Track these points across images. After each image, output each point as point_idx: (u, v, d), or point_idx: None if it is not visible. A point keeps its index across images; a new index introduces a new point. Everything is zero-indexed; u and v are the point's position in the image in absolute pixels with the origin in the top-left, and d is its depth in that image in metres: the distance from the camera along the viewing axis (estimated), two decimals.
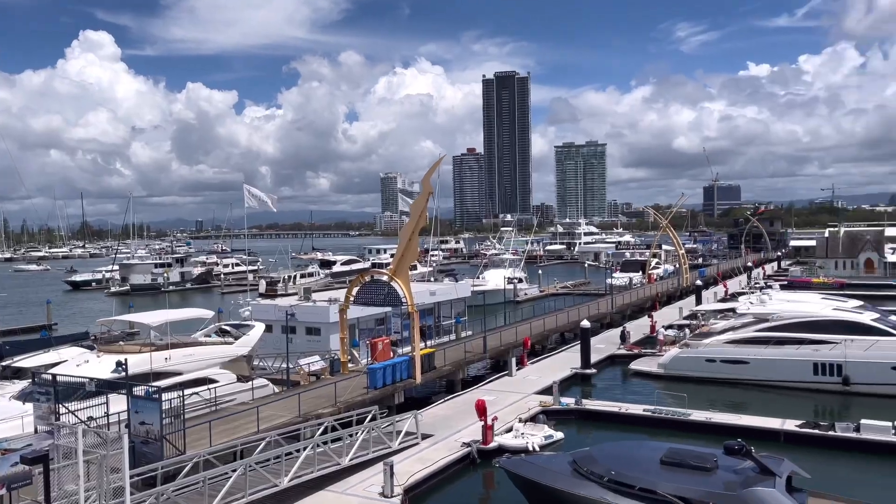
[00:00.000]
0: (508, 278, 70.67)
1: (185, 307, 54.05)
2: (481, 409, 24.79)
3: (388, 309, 36.63)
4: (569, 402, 30.27)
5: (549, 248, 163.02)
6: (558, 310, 52.55)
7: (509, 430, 26.40)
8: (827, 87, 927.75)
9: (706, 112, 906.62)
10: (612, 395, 33.71)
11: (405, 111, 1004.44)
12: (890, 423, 24.75)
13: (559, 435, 26.47)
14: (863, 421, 25.22)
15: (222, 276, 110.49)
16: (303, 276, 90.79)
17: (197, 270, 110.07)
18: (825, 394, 32.88)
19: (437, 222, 74.73)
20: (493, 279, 71.80)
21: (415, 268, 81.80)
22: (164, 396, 20.15)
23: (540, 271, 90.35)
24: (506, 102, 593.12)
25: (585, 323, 38.54)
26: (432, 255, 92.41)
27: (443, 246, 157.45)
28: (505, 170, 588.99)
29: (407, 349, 34.30)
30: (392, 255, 41.70)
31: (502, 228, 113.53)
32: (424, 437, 25.38)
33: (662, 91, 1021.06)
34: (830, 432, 25.37)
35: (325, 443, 21.79)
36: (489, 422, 24.92)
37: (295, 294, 52.90)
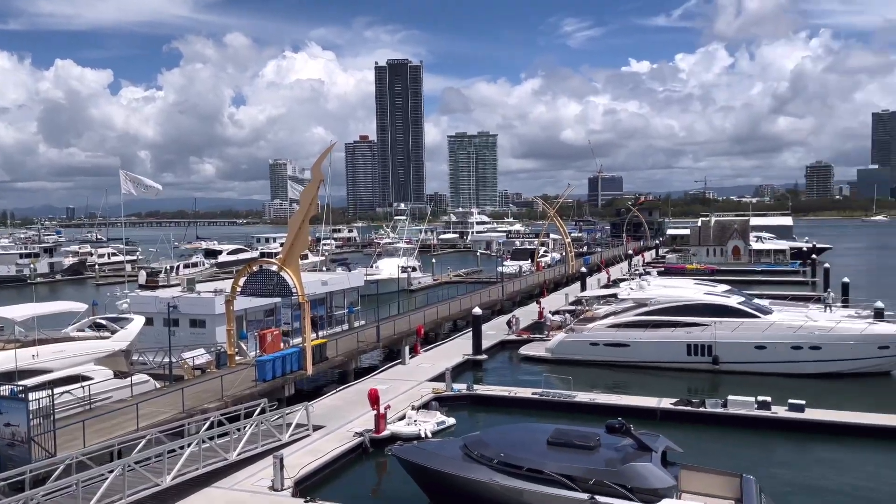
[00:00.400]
0: (402, 267, 70.78)
1: (55, 300, 50.45)
2: (374, 399, 24.79)
3: (278, 299, 35.83)
4: (461, 388, 30.78)
5: (442, 237, 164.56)
6: (451, 298, 53.25)
7: (402, 417, 26.55)
8: (700, 85, 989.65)
9: (591, 105, 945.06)
10: (503, 379, 34.60)
11: (295, 96, 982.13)
12: (753, 398, 26.82)
13: (451, 421, 26.92)
14: (729, 397, 27.22)
15: (97, 266, 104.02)
16: (186, 266, 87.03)
17: (68, 261, 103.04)
18: (697, 373, 35.19)
19: (329, 211, 73.48)
20: (387, 268, 71.72)
21: (306, 257, 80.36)
22: (32, 396, 18.83)
23: (434, 260, 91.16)
24: (399, 90, 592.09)
25: (477, 310, 39.30)
26: (324, 244, 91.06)
27: (335, 235, 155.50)
28: (398, 158, 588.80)
29: (298, 340, 33.69)
30: (282, 245, 40.69)
31: (396, 217, 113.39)
32: (316, 428, 25.08)
33: (551, 84, 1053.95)
34: (701, 409, 27.20)
35: (210, 438, 21.07)
36: (382, 410, 24.95)
37: (178, 285, 50.66)
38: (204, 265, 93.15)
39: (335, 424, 25.78)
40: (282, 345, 33.40)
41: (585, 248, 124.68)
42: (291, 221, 32.15)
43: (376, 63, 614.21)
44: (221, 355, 32.33)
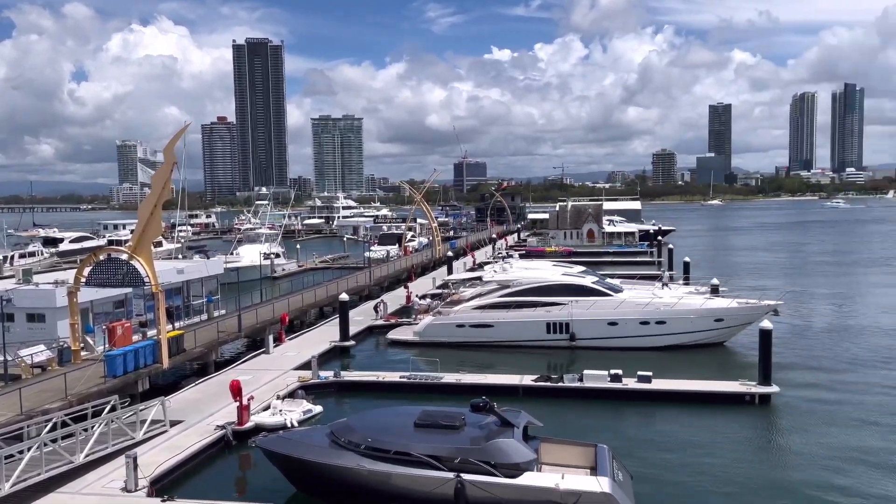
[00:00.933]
0: (265, 253, 68.69)
1: None
2: (236, 390, 23.97)
3: (129, 290, 33.65)
4: (328, 375, 30.48)
5: (307, 222, 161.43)
6: (317, 284, 52.43)
7: (267, 408, 25.91)
8: (558, 75, 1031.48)
9: (456, 92, 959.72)
10: (371, 365, 34.63)
11: (145, 73, 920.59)
12: (606, 372, 28.59)
13: (318, 408, 26.61)
14: (585, 371, 28.87)
15: None
16: (22, 255, 79.59)
17: None
18: (557, 349, 36.93)
19: (185, 195, 69.83)
20: (249, 255, 69.33)
21: (160, 244, 76.03)
22: None
23: (298, 246, 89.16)
24: (259, 70, 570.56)
25: (344, 296, 38.97)
26: (180, 231, 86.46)
27: (192, 221, 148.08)
28: (259, 141, 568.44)
29: (154, 332, 31.85)
30: (132, 231, 38.16)
31: (257, 202, 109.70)
32: (173, 423, 23.92)
33: (416, 69, 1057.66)
34: (560, 384, 28.65)
35: (54, 440, 19.52)
36: (245, 402, 24.20)
37: (12, 276, 46.23)
38: (42, 254, 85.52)
39: (195, 419, 24.71)
40: (134, 338, 31.43)
41: (452, 233, 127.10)
42: (142, 207, 30.20)
43: (234, 41, 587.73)
44: (64, 351, 29.94)
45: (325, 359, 34.87)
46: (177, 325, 37.13)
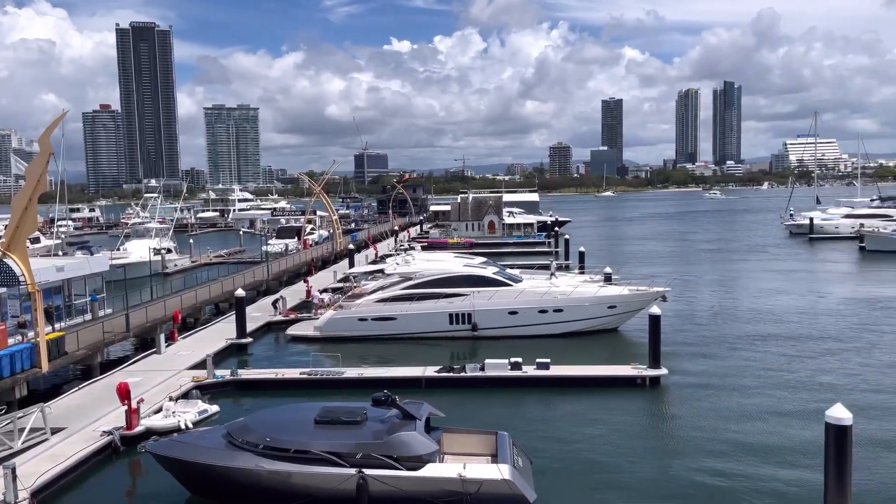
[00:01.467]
0: (155, 249, 65.60)
1: None
2: (124, 393, 22.78)
3: (2, 289, 31.35)
4: (224, 374, 29.53)
5: (201, 215, 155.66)
6: (212, 280, 50.67)
7: (159, 410, 24.78)
8: (458, 67, 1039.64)
9: (355, 82, 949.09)
10: (270, 362, 33.81)
11: (20, 58, 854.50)
12: (507, 360, 29.18)
13: (214, 409, 25.73)
14: (486, 361, 29.33)
15: None
16: None
17: None
18: (460, 340, 37.37)
19: (65, 188, 65.54)
20: (137, 250, 66.03)
21: (37, 241, 71.18)
22: None
23: (191, 240, 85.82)
24: (145, 56, 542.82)
25: (240, 292, 37.82)
26: (60, 226, 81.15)
27: (74, 215, 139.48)
28: (147, 130, 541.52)
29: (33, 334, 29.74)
30: (5, 227, 35.45)
31: (146, 195, 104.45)
32: (55, 431, 22.46)
33: (314, 59, 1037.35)
34: (462, 374, 29.01)
35: None
36: (134, 405, 23.04)
37: None
38: None
39: (79, 425, 23.29)
40: (12, 340, 29.24)
41: (353, 225, 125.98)
42: (16, 200, 28.08)
43: (117, 25, 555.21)
44: None
45: (222, 357, 33.80)
46: (57, 326, 34.86)
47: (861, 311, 43.44)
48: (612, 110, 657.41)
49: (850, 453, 14.92)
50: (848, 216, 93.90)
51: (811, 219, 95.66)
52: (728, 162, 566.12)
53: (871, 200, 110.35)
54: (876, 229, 76.97)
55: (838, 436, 14.82)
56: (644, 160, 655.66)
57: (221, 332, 37.86)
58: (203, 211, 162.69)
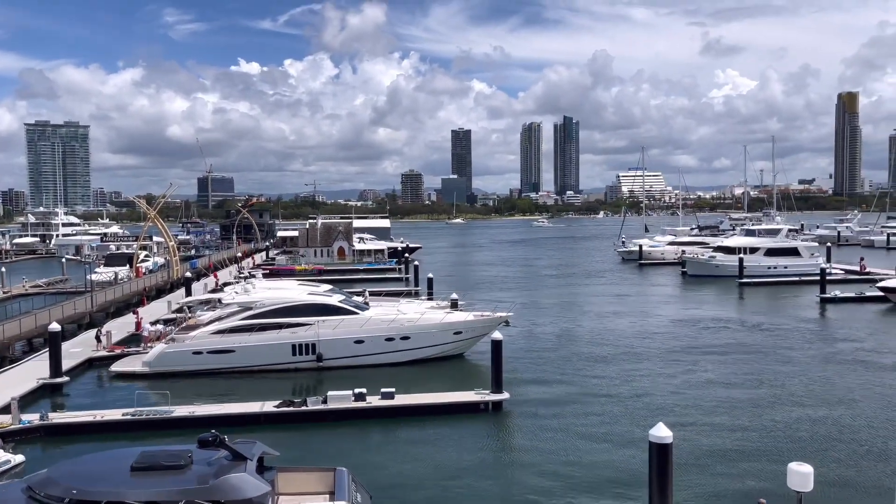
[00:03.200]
0: None
1: None
2: None
3: None
4: (33, 418, 26.46)
5: (18, 241, 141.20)
6: (24, 313, 45.57)
7: None
8: (309, 92, 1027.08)
9: (200, 103, 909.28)
10: (91, 403, 30.81)
11: None
12: (351, 392, 28.49)
13: (19, 458, 22.91)
14: (329, 393, 28.50)
15: None
16: None
17: None
18: (304, 372, 36.14)
19: None
20: None
21: None
22: None
23: (3, 269, 77.35)
24: None
25: (54, 326, 34.25)
26: None
27: None
28: None
29: None
30: None
31: None
32: None
33: (154, 76, 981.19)
34: (303, 408, 27.93)
35: None
36: None
37: None
38: None
39: None
40: None
41: (194, 252, 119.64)
42: None
43: None
44: None
45: (31, 400, 30.52)
46: None
47: (683, 331, 47.12)
48: (462, 140, 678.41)
49: (671, 470, 15.79)
50: (672, 243, 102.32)
51: (640, 246, 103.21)
52: (568, 192, 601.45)
53: (692, 229, 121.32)
54: (695, 255, 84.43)
55: (660, 453, 15.65)
56: (492, 189, 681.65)
57: (33, 372, 34.12)
58: (21, 236, 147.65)
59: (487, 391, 29.34)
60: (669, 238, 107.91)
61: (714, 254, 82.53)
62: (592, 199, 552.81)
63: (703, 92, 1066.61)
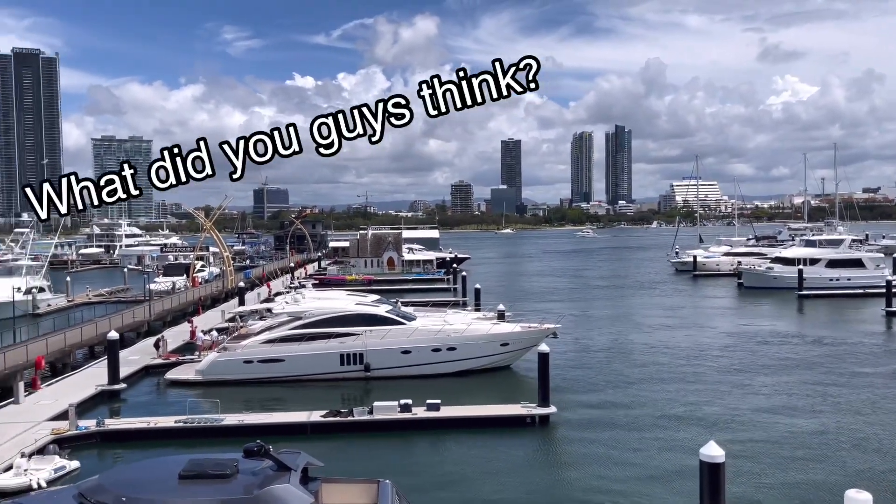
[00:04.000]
0: (20, 288, 60.68)
1: None
2: None
3: None
4: (90, 424, 27.15)
5: (83, 251, 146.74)
6: (86, 321, 47.13)
7: (9, 468, 22.38)
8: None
9: (257, 116, 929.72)
10: (146, 409, 31.46)
11: None
12: (397, 402, 28.40)
13: (74, 464, 23.53)
14: (375, 403, 28.46)
15: None
16: None
17: None
18: (351, 382, 36.25)
19: None
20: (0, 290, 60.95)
21: None
22: None
23: (68, 278, 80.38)
24: (28, 84, 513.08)
25: (112, 333, 35.27)
26: None
27: None
28: (29, 161, 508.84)
29: None
30: None
31: (16, 230, 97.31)
32: None
33: (213, 92, 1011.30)
34: (349, 418, 27.96)
35: None
36: None
37: None
38: None
39: None
40: None
41: (248, 262, 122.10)
42: None
43: None
44: None
45: (90, 406, 31.24)
46: None
47: (739, 346, 45.61)
48: (512, 150, 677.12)
49: (724, 490, 15.14)
50: (727, 254, 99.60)
51: (695, 257, 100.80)
52: (620, 201, 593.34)
53: (748, 240, 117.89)
54: (752, 267, 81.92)
55: (712, 473, 15.02)
56: (542, 199, 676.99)
57: (92, 379, 35.10)
58: (86, 247, 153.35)
59: (534, 404, 28.87)
60: (725, 248, 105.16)
61: (772, 265, 79.87)
62: (645, 209, 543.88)
63: (760, 99, 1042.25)
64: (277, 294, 64.20)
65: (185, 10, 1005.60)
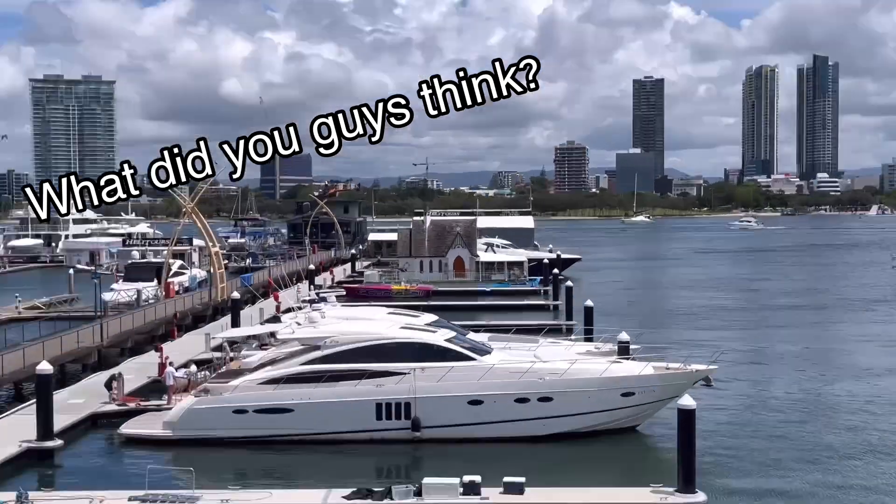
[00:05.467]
0: None
1: None
2: None
3: None
4: (7, 500, 28.18)
5: (14, 243, 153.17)
6: (10, 346, 48.95)
7: None
8: (423, 27, 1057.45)
9: (268, 45, 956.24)
10: (90, 479, 32.44)
11: None
12: (458, 480, 28.29)
13: None
14: (425, 480, 28.37)
15: None
16: None
17: None
18: (392, 443, 36.64)
19: None
20: None
21: None
22: None
23: None
24: None
25: (45, 365, 36.39)
26: None
27: None
28: None
29: None
30: None
31: None
32: None
33: (205, 10, 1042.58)
34: (387, 501, 28.01)
35: None
36: None
37: None
38: None
39: None
40: None
41: (250, 261, 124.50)
42: None
43: None
44: None
45: (13, 470, 32.44)
46: None
47: None
48: (650, 95, 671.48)
49: None
50: None
51: None
52: (819, 174, 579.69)
53: None
54: None
55: None
56: (696, 170, 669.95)
57: (16, 431, 36.31)
58: (18, 237, 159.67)
59: (672, 489, 28.44)
60: None
61: None
62: (860, 186, 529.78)
63: None
64: (288, 311, 65.20)
65: None
